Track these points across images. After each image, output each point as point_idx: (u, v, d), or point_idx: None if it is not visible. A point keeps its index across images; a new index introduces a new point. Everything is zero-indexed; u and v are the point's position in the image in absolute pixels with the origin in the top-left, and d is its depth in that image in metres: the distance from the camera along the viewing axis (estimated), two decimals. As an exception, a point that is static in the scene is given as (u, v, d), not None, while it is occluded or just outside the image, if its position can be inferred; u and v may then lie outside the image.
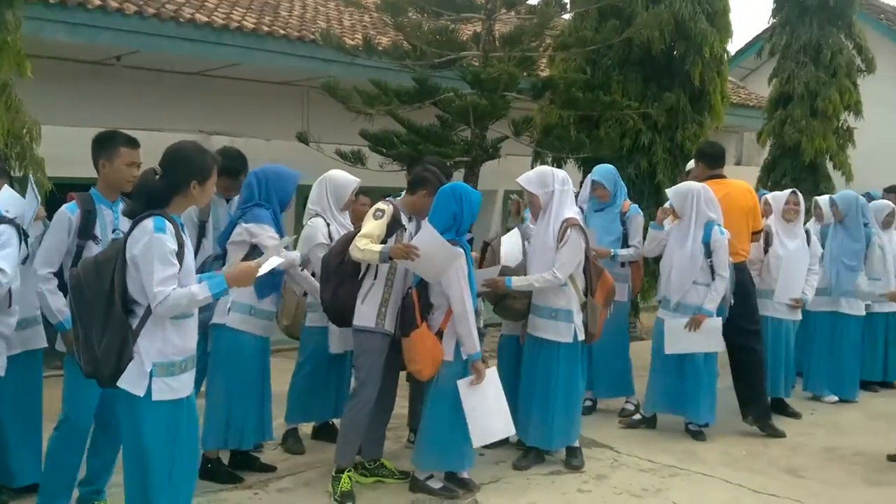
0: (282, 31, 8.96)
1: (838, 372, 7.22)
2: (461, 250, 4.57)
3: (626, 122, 9.51)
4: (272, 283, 4.88)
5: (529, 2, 8.66)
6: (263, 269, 3.66)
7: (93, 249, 4.14)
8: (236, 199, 5.32)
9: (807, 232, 6.90)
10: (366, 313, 4.75)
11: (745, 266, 6.37)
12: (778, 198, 6.89)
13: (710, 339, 5.93)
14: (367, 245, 4.56)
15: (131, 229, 3.41)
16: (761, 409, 6.29)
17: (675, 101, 9.36)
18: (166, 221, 3.42)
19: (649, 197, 9.65)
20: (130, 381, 3.39)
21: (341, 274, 4.81)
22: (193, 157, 3.54)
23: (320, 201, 5.37)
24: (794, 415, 6.74)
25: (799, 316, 6.84)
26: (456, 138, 8.51)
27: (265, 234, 4.76)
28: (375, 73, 8.74)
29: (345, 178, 5.49)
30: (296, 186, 5.11)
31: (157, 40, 8.06)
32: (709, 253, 5.92)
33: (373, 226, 4.68)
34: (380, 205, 4.80)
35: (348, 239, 4.81)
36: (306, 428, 5.81)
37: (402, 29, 8.22)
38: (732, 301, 6.25)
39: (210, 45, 8.40)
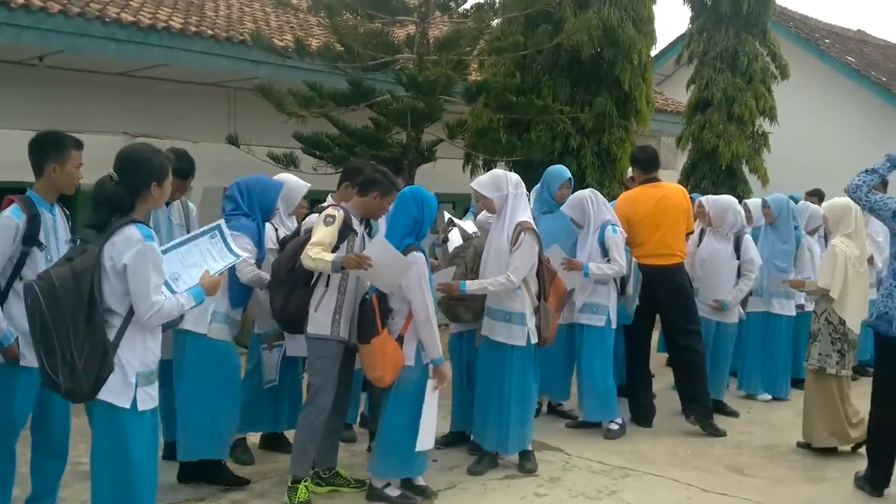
0: (209, 32, 8.74)
1: (771, 371, 7.43)
2: (412, 261, 4.52)
3: (556, 125, 9.62)
4: (245, 294, 4.86)
5: (462, 6, 8.66)
6: (216, 269, 3.74)
7: (36, 256, 4.00)
8: (175, 203, 5.19)
9: (739, 237, 7.04)
10: (320, 320, 4.66)
11: (682, 267, 6.51)
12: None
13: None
14: (318, 254, 4.46)
15: (108, 237, 3.30)
16: (704, 409, 6.42)
17: (604, 105, 9.47)
18: (149, 228, 3.36)
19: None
20: (114, 393, 3.30)
21: (293, 281, 4.70)
22: (150, 159, 3.48)
23: None
24: (732, 413, 6.91)
25: (731, 318, 7.03)
26: (391, 141, 8.44)
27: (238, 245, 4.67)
28: (305, 74, 8.62)
29: (295, 183, 5.39)
30: (278, 196, 5.03)
31: (82, 40, 7.77)
32: (605, 252, 6.08)
33: (324, 233, 4.57)
34: (330, 210, 4.70)
35: (298, 245, 4.71)
36: (254, 437, 5.66)
37: (337, 31, 8.11)
38: (638, 302, 6.42)
39: (136, 45, 8.13)
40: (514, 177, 5.35)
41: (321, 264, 4.45)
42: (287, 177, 5.49)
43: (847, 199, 5.81)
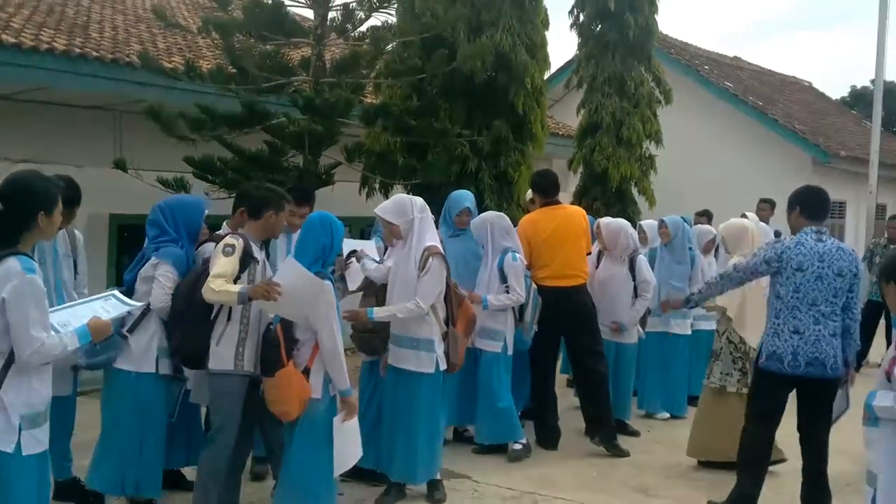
0: (95, 53, 8.37)
1: (669, 389, 7.57)
2: (328, 282, 4.40)
3: (454, 149, 9.63)
4: None
5: (359, 29, 8.56)
6: (107, 317, 3.61)
7: None
8: (61, 232, 4.93)
9: (633, 259, 7.14)
10: (222, 355, 4.48)
11: (586, 288, 6.57)
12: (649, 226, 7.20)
13: None
14: (222, 286, 4.28)
15: None
16: (608, 430, 6.48)
17: (502, 130, 9.53)
18: (33, 261, 3.16)
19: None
20: None
21: (192, 315, 4.49)
22: (37, 186, 3.30)
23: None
24: (634, 433, 7.00)
25: (630, 339, 7.13)
26: (287, 164, 8.27)
27: (159, 272, 4.63)
28: (194, 97, 8.35)
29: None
30: (203, 216, 4.82)
31: (-41, 63, 7.33)
32: (504, 278, 6.09)
33: (224, 264, 4.39)
34: (229, 240, 4.52)
35: (196, 277, 4.52)
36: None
37: (230, 52, 7.89)
38: (536, 328, 6.46)
39: (19, 68, 7.70)
40: (419, 201, 5.29)
41: (225, 297, 4.28)
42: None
43: (744, 220, 5.96)
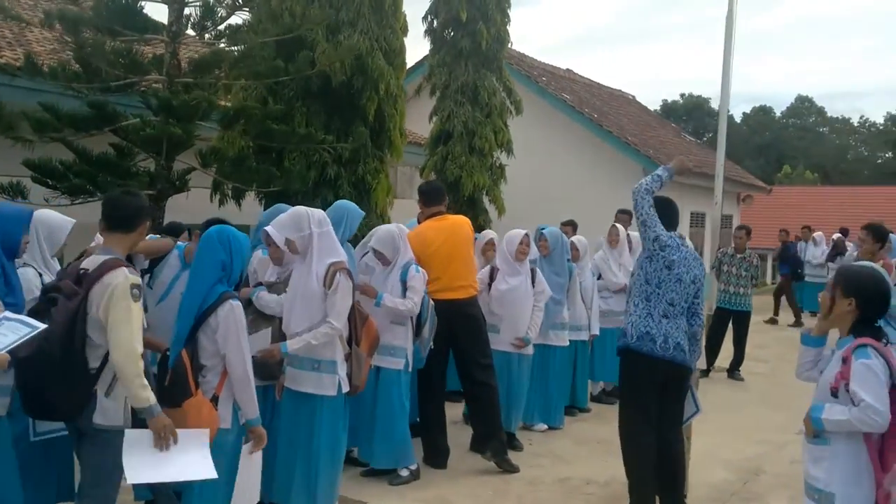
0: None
1: (548, 401, 7.55)
2: (235, 302, 4.03)
3: (311, 155, 9.31)
4: None
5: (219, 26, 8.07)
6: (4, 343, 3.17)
7: None
8: None
9: (533, 270, 7.10)
10: (111, 409, 3.77)
11: (476, 300, 6.44)
12: (511, 238, 7.07)
13: None
14: (141, 390, 3.60)
15: None
16: (499, 444, 6.35)
17: (365, 135, 9.29)
18: None
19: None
20: None
21: (72, 368, 3.66)
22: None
23: (30, 248, 4.44)
24: (517, 447, 6.92)
25: (529, 350, 7.05)
26: (137, 169, 7.69)
27: None
28: (26, 95, 7.66)
29: (59, 220, 4.64)
30: (23, 228, 4.20)
31: None
32: (404, 291, 5.92)
33: (137, 320, 3.64)
34: (132, 279, 3.68)
35: (71, 315, 3.64)
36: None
37: (80, 48, 7.23)
38: (433, 345, 6.32)
39: None
40: (318, 214, 4.95)
41: (141, 395, 3.59)
42: (46, 213, 4.71)
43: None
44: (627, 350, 5.17)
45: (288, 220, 4.89)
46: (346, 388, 4.90)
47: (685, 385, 5.29)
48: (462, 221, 6.60)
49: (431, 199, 6.55)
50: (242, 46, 7.84)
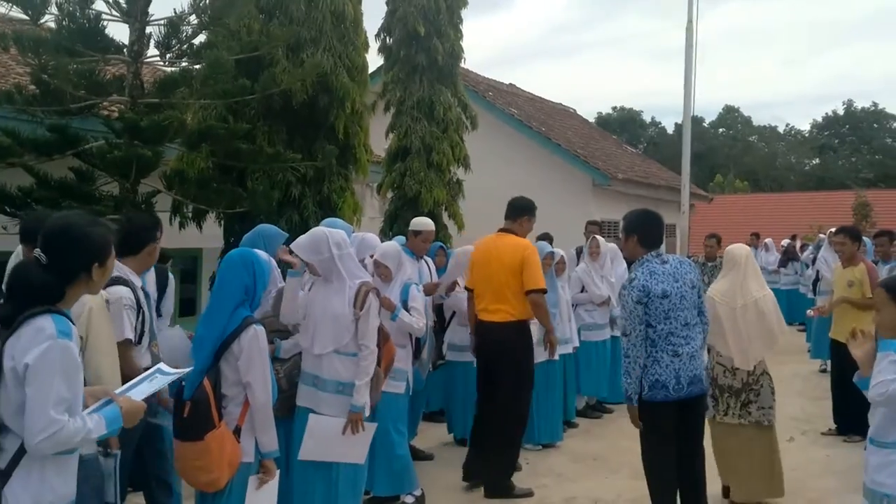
0: None
1: (549, 417, 7.44)
2: (260, 327, 3.87)
3: (275, 174, 9.11)
4: None
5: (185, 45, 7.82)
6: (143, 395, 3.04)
7: None
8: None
9: None
10: None
11: (508, 327, 6.25)
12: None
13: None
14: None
15: (14, 329, 2.56)
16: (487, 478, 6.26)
17: (335, 153, 9.13)
18: (70, 323, 2.60)
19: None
20: None
21: None
22: (90, 233, 2.79)
23: None
24: (517, 467, 6.78)
25: None
26: (100, 193, 7.40)
27: None
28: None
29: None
30: None
31: None
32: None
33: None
34: (125, 294, 3.83)
35: None
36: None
37: (42, 70, 6.92)
38: (433, 364, 6.24)
39: None
40: (336, 236, 4.81)
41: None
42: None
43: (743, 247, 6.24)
44: (641, 401, 5.01)
45: (307, 243, 4.77)
46: (367, 412, 4.74)
47: (703, 409, 5.23)
48: (514, 244, 6.32)
49: (507, 213, 6.54)
50: (206, 65, 7.59)
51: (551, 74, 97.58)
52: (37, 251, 2.73)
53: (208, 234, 9.16)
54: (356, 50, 9.68)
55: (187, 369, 3.60)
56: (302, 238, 4.84)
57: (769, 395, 5.96)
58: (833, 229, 12.20)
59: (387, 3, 13.28)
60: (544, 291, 6.32)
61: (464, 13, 13.35)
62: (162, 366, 3.35)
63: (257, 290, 3.96)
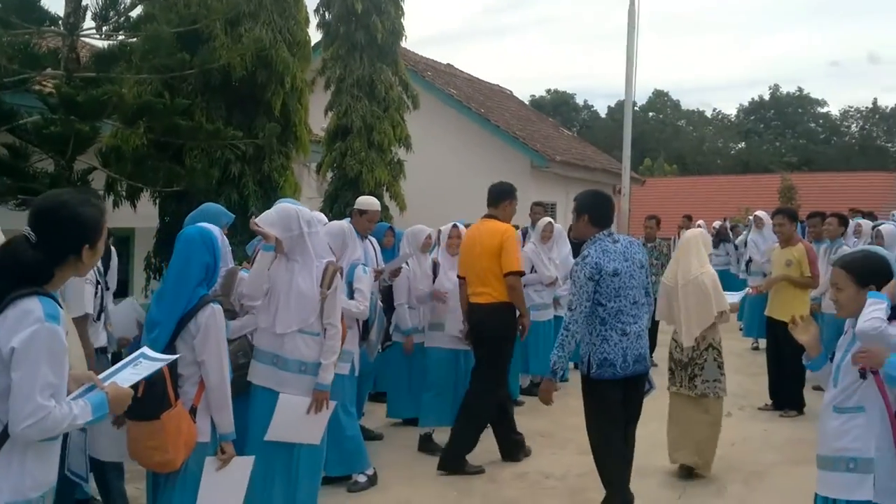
0: None
1: None
2: (216, 305, 3.76)
3: (214, 152, 8.89)
4: None
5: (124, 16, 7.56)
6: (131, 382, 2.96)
7: None
8: None
9: None
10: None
11: (494, 308, 6.34)
12: (442, 231, 6.96)
13: None
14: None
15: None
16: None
17: (277, 130, 8.95)
18: (58, 307, 2.51)
19: (243, 230, 9.16)
20: None
21: None
22: (82, 212, 2.69)
23: None
24: None
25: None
26: (35, 171, 7.15)
27: None
28: None
29: None
30: None
31: None
32: (351, 292, 5.77)
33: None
34: None
35: None
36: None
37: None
38: (380, 345, 6.22)
39: None
40: (306, 213, 4.72)
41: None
42: None
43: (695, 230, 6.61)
44: (588, 380, 5.08)
45: (277, 219, 4.66)
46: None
47: (644, 386, 5.31)
48: (494, 229, 6.42)
49: (489, 200, 6.62)
50: (145, 39, 7.37)
51: (485, 56, 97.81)
52: (26, 229, 2.64)
53: (142, 214, 8.93)
54: (297, 25, 9.48)
55: (174, 356, 3.50)
56: (270, 213, 4.72)
57: (714, 369, 6.16)
58: (759, 212, 12.53)
59: (326, -21, 13.10)
60: (521, 274, 6.47)
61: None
62: (146, 350, 3.27)
63: (217, 269, 3.87)
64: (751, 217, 17.08)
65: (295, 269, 4.66)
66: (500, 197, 6.61)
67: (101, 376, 2.89)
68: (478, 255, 6.32)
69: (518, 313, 6.39)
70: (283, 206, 4.79)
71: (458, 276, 6.70)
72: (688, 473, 6.23)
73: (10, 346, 2.47)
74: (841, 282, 3.70)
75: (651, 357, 10.54)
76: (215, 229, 4.02)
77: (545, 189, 17.70)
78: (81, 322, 4.13)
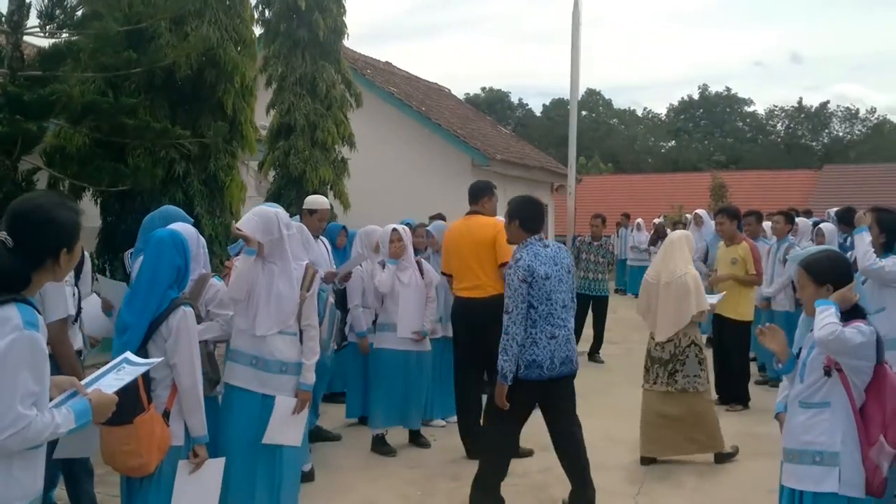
0: None
1: (445, 395, 7.46)
2: (188, 308, 3.76)
3: (157, 151, 8.77)
4: None
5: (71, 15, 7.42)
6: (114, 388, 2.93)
7: None
8: None
9: (419, 262, 7.04)
10: None
11: (490, 301, 6.37)
12: (370, 232, 7.02)
13: None
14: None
15: None
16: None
17: (225, 130, 8.88)
18: (37, 313, 2.46)
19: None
20: None
21: None
22: (57, 215, 2.63)
23: None
24: (423, 444, 6.99)
25: (428, 346, 6.98)
26: (-25, 172, 6.99)
27: None
28: None
29: None
30: None
31: None
32: None
33: None
34: None
35: None
36: None
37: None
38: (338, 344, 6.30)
39: None
40: (284, 215, 4.75)
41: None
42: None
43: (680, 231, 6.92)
44: (516, 379, 5.18)
45: (259, 223, 4.65)
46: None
47: (573, 386, 5.45)
48: (484, 223, 6.62)
49: (469, 198, 6.81)
50: (94, 37, 7.24)
51: (417, 54, 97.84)
52: (2, 234, 2.56)
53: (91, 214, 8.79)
54: (243, 23, 9.45)
55: (157, 359, 3.49)
56: (250, 217, 4.71)
57: (695, 365, 6.47)
58: (698, 210, 12.82)
59: (265, -26, 12.96)
60: None
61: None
62: (129, 355, 3.21)
63: (187, 271, 3.87)
64: (687, 214, 17.50)
65: (274, 271, 4.68)
66: (479, 194, 6.81)
67: (84, 381, 2.87)
68: (468, 251, 6.50)
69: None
70: (263, 209, 4.79)
71: (443, 273, 6.86)
72: (649, 464, 6.51)
73: None
74: (802, 281, 3.88)
75: (598, 354, 10.84)
76: (188, 231, 4.01)
77: (524, 198, 17.77)
78: (61, 324, 4.10)
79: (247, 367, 4.66)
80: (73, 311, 4.21)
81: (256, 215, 4.71)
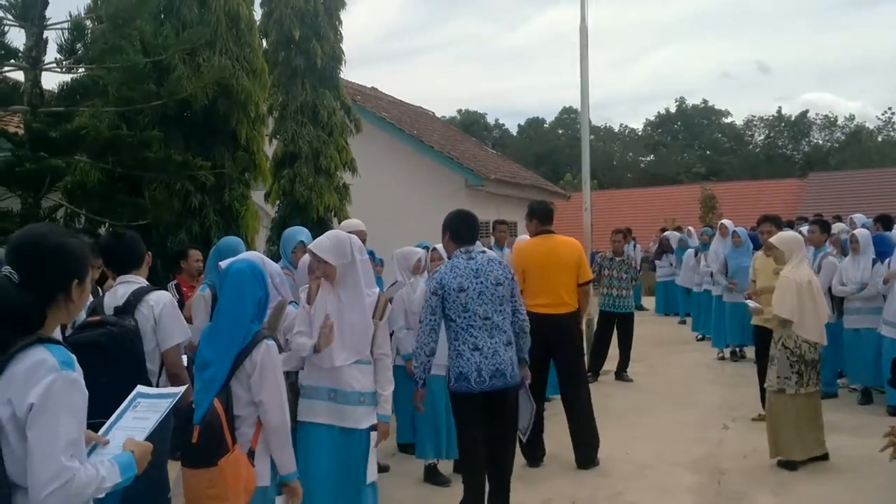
0: None
1: None
2: (271, 342, 3.66)
3: (173, 183, 8.72)
4: None
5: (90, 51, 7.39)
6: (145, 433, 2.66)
7: None
8: None
9: None
10: None
11: (571, 316, 6.84)
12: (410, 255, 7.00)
13: None
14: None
15: (1, 368, 2.15)
16: (585, 451, 6.83)
17: (243, 160, 8.85)
18: (69, 353, 2.22)
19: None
20: None
21: None
22: (66, 245, 2.39)
23: None
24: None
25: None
26: (1, 211, 6.92)
27: None
28: None
29: None
30: None
31: None
32: None
33: None
34: None
35: None
36: None
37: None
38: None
39: None
40: (357, 240, 4.65)
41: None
42: None
43: (794, 233, 6.96)
44: (451, 391, 5.34)
45: (331, 245, 4.53)
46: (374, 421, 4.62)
47: (512, 401, 5.43)
48: (571, 244, 6.93)
49: (543, 219, 6.97)
50: (120, 71, 7.21)
51: (389, 80, 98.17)
52: (6, 269, 2.30)
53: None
54: (253, 52, 9.47)
55: (175, 388, 3.10)
56: (323, 239, 4.59)
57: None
58: (724, 221, 12.59)
59: (262, 5, 12.98)
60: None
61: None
62: (141, 389, 2.92)
63: (268, 302, 3.80)
64: (690, 228, 17.53)
65: (342, 298, 4.54)
66: (550, 214, 7.08)
67: (100, 431, 2.60)
68: (554, 269, 6.75)
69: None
70: (336, 233, 4.72)
71: None
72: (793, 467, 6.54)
73: (29, 403, 2.17)
74: None
75: (626, 372, 10.61)
76: (263, 261, 3.96)
77: (480, 207, 17.80)
78: (178, 348, 4.13)
79: (324, 402, 4.52)
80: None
81: (329, 238, 4.61)
